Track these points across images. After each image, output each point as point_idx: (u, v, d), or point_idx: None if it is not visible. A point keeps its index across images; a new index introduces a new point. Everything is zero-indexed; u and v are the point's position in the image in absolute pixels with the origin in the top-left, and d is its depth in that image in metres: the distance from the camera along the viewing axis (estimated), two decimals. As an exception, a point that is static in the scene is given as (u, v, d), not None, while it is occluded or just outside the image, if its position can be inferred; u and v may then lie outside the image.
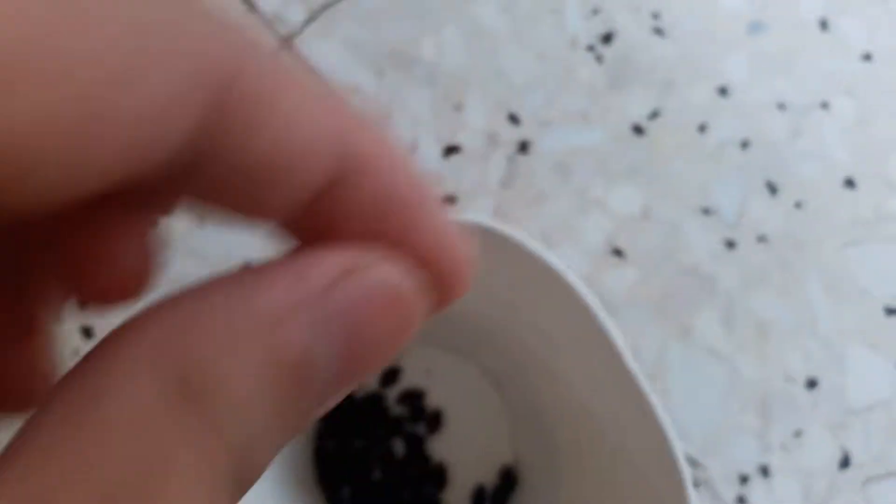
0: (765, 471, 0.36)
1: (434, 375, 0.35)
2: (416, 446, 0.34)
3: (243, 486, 0.09)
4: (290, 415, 0.09)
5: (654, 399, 0.23)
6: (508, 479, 0.34)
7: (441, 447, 0.34)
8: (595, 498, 0.28)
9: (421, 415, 0.34)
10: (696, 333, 0.38)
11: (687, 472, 0.23)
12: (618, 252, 0.38)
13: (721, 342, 0.38)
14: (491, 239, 0.24)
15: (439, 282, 0.11)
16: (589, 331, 0.24)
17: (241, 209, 0.10)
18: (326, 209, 0.10)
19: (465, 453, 0.34)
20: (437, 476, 0.33)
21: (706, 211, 0.39)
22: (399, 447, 0.34)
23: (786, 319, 0.38)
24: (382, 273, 0.10)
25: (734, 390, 0.37)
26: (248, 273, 0.09)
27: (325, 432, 0.34)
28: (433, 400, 0.35)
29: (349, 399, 0.34)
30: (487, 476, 0.34)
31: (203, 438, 0.08)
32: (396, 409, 0.34)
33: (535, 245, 0.24)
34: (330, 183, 0.10)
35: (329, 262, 0.10)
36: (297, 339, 0.09)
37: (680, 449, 0.23)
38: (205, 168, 0.09)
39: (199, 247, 0.37)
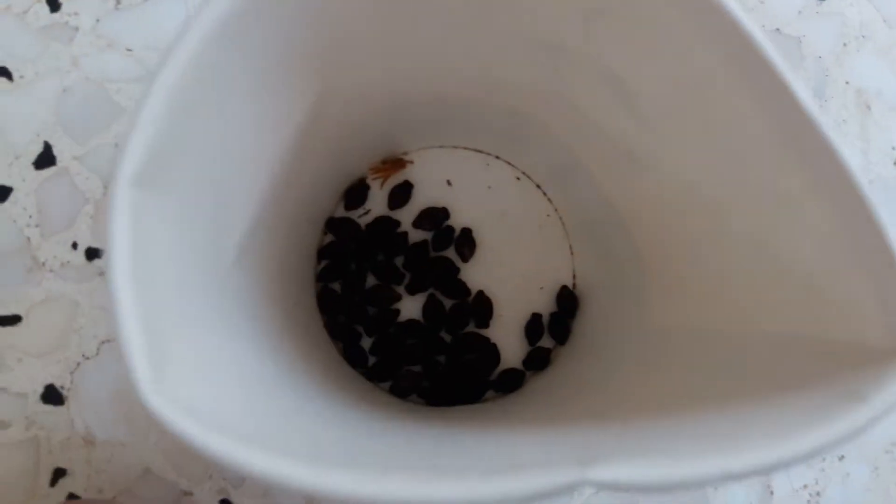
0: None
1: (457, 186, 0.27)
2: (448, 275, 0.26)
3: None
4: None
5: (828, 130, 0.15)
6: (568, 303, 0.26)
7: (479, 275, 0.26)
8: (704, 312, 0.21)
9: (448, 237, 0.26)
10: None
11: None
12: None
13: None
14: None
15: None
16: (712, 47, 0.16)
17: None
18: None
19: (510, 279, 0.26)
20: (481, 309, 0.26)
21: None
22: (426, 279, 0.26)
23: (892, 88, 0.30)
24: None
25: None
26: None
27: (327, 272, 0.26)
28: (460, 217, 0.27)
29: (352, 227, 0.26)
30: (542, 303, 0.26)
31: None
32: (415, 235, 0.26)
33: None
34: None
35: None
36: None
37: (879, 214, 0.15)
38: None
39: (116, 34, 0.28)
